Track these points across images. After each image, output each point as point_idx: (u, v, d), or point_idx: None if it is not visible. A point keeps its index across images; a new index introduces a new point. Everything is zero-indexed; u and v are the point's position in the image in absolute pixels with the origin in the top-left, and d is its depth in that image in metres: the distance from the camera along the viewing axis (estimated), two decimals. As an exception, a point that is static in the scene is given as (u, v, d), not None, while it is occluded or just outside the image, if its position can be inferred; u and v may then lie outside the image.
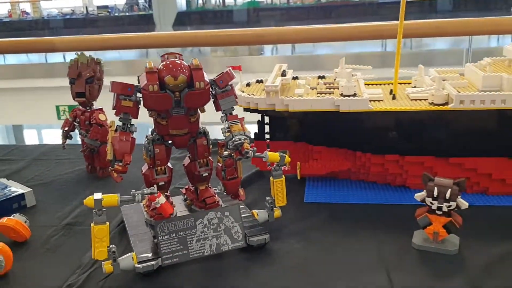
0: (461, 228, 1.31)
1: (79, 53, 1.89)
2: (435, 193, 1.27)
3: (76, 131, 1.97)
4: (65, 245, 1.46)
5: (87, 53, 1.90)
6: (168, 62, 1.28)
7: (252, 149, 1.32)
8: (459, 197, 1.28)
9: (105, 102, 1.98)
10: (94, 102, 1.93)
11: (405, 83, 1.85)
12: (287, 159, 1.42)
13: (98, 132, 1.87)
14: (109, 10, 12.45)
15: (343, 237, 1.41)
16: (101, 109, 1.92)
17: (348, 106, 1.57)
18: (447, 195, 1.26)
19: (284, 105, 1.62)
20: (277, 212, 1.46)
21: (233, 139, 1.29)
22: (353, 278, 1.22)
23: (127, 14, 12.27)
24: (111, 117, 1.96)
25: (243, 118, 1.36)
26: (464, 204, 1.28)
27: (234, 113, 1.35)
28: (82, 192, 1.81)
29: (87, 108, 1.92)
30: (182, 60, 1.31)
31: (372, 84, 1.88)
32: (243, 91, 1.74)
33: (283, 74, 1.77)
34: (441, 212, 1.28)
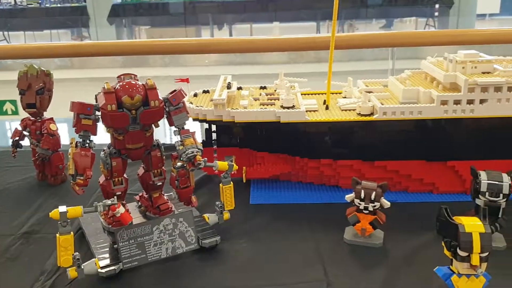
0: (385, 224, 1.53)
1: (28, 64, 1.93)
2: (362, 195, 1.48)
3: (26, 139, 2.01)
4: (25, 254, 1.53)
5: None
6: (124, 83, 1.39)
7: (203, 159, 1.46)
8: (382, 198, 1.49)
9: (53, 112, 2.05)
10: (44, 112, 1.98)
11: (336, 93, 2.05)
12: (235, 167, 1.57)
13: (50, 142, 1.93)
14: (40, 1, 11.93)
15: (285, 234, 1.60)
16: (51, 119, 1.98)
17: (287, 117, 1.75)
18: (372, 196, 1.47)
19: (231, 116, 1.77)
20: (226, 215, 1.61)
21: (186, 152, 1.43)
22: (294, 272, 1.40)
23: (59, 5, 11.80)
24: (60, 127, 2.03)
25: (195, 132, 1.49)
26: (386, 203, 1.50)
27: (186, 127, 1.48)
28: (35, 200, 1.87)
29: (38, 118, 1.97)
30: (137, 80, 1.42)
31: (309, 94, 2.07)
32: (191, 103, 1.87)
33: (229, 86, 1.92)
34: (367, 211, 1.49)
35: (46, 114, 2.00)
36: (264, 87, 2.08)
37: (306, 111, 1.80)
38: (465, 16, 8.35)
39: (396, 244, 1.52)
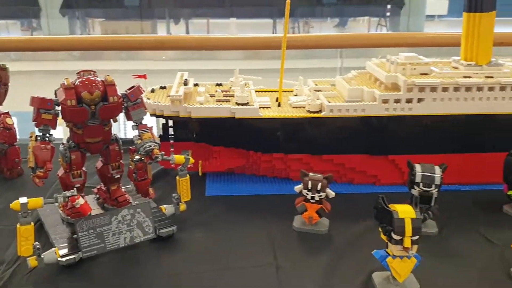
0: (330, 213, 1.65)
1: (-17, 59, 1.93)
2: (309, 186, 1.60)
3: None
4: (-18, 246, 1.55)
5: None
6: (84, 79, 1.44)
7: (161, 153, 1.54)
8: (327, 188, 1.62)
9: (8, 105, 2.05)
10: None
11: (288, 91, 2.17)
12: (191, 160, 1.65)
13: (6, 135, 1.94)
14: (-13, -10, 11.44)
15: (239, 224, 1.69)
16: (7, 113, 1.99)
17: (242, 113, 1.85)
18: (318, 187, 1.59)
19: (187, 112, 1.85)
20: (183, 206, 1.69)
21: (144, 145, 1.50)
22: (247, 257, 1.50)
23: (9, -6, 11.37)
24: (16, 120, 2.04)
25: (152, 127, 1.56)
26: (331, 194, 1.62)
27: (143, 122, 1.55)
28: (-9, 193, 1.88)
29: (-7, 112, 1.97)
30: (97, 76, 1.48)
31: (262, 92, 2.18)
32: (149, 98, 1.93)
33: (185, 83, 1.99)
34: (314, 201, 1.61)
35: (2, 108, 2.01)
36: (220, 84, 2.17)
37: (260, 107, 1.90)
38: (415, 16, 8.69)
39: (340, 231, 1.65)
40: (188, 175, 1.66)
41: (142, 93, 1.54)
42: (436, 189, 1.60)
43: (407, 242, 1.29)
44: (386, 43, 2.53)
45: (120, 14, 9.08)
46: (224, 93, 2.03)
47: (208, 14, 9.45)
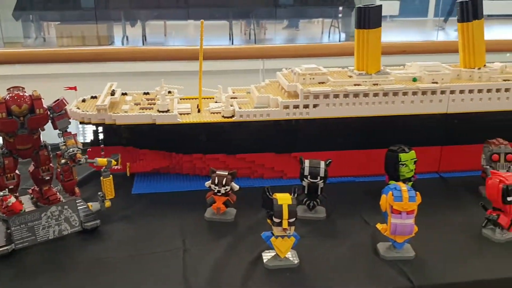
0: (237, 203, 1.94)
1: None
2: (216, 181, 1.88)
3: None
4: None
5: None
6: (13, 94, 1.67)
7: (84, 157, 1.79)
8: (232, 182, 1.90)
9: None
10: None
11: (210, 98, 2.44)
12: (113, 163, 1.90)
13: None
14: None
15: (157, 217, 1.95)
16: None
17: (162, 119, 2.11)
18: (223, 182, 1.87)
19: (112, 120, 2.10)
20: (108, 203, 1.93)
21: (68, 151, 1.74)
22: (160, 244, 1.75)
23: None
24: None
25: (76, 134, 1.81)
26: (235, 187, 1.91)
27: (68, 130, 1.80)
28: None
29: None
30: (25, 92, 1.71)
31: (187, 99, 2.44)
32: (78, 108, 2.17)
33: (113, 93, 2.24)
34: (220, 194, 1.89)
35: None
36: (147, 93, 2.42)
37: (180, 114, 2.17)
38: None
39: (244, 219, 1.93)
40: (111, 176, 1.91)
41: (65, 105, 1.78)
42: (322, 181, 1.91)
43: (285, 224, 1.59)
44: (299, 54, 2.86)
45: (76, 17, 9.00)
46: (149, 101, 2.28)
47: (165, 16, 9.56)
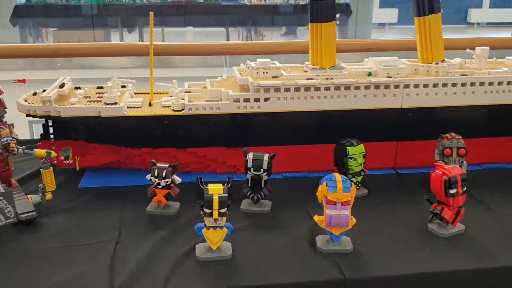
0: (182, 198, 1.90)
1: None
2: (156, 174, 1.85)
3: None
4: None
5: None
6: None
7: (22, 148, 1.76)
8: (174, 175, 1.87)
9: None
10: None
11: (164, 93, 2.42)
12: (53, 154, 1.87)
13: None
14: None
15: (99, 209, 1.91)
16: None
17: (107, 112, 2.08)
18: (163, 174, 1.84)
19: (57, 112, 2.07)
20: (49, 196, 1.90)
21: (2, 140, 1.71)
22: (95, 236, 1.72)
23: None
24: None
25: (12, 124, 1.78)
26: (177, 180, 1.88)
27: (4, 120, 1.77)
28: None
29: None
30: None
31: (141, 93, 2.42)
32: (26, 100, 2.14)
33: (61, 86, 2.21)
34: (160, 186, 1.86)
35: None
36: (101, 87, 2.39)
37: (129, 107, 2.14)
38: (362, 24, 9.14)
39: (187, 212, 1.90)
40: (51, 167, 1.88)
41: (1, 94, 1.76)
42: (265, 173, 1.88)
43: (215, 214, 1.55)
44: (255, 51, 2.87)
45: (77, 23, 9.07)
46: (99, 94, 2.26)
47: (163, 23, 9.61)
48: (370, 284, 1.54)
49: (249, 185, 1.91)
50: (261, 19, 9.61)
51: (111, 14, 9.14)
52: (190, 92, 2.31)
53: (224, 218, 1.58)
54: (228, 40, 9.00)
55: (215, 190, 1.57)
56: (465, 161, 2.07)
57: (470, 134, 2.18)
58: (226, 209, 1.57)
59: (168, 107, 2.21)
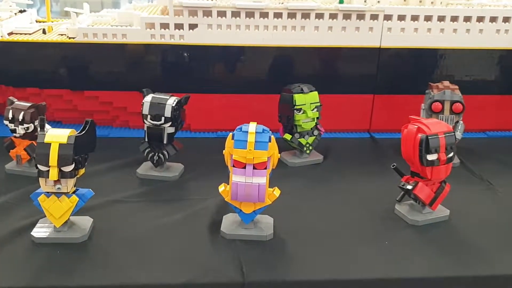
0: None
1: None
2: (10, 116, 1.29)
3: None
4: None
5: None
6: None
7: None
8: (45, 123, 1.31)
9: None
10: None
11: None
12: None
13: None
14: None
15: None
16: None
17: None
18: (20, 117, 1.28)
19: None
20: None
21: None
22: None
23: None
24: None
25: None
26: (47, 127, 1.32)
27: None
28: None
29: None
30: None
31: (43, 22, 1.86)
32: None
33: None
34: (19, 135, 1.31)
35: None
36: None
37: (15, 33, 1.60)
38: None
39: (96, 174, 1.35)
40: None
41: None
42: (169, 124, 1.31)
43: (53, 175, 1.00)
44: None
45: None
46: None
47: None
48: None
49: (146, 140, 1.35)
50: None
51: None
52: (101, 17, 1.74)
53: (70, 182, 1.03)
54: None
55: (56, 136, 1.01)
56: (461, 121, 1.49)
57: (474, 88, 1.61)
58: (72, 167, 1.01)
59: (64, 34, 1.65)
